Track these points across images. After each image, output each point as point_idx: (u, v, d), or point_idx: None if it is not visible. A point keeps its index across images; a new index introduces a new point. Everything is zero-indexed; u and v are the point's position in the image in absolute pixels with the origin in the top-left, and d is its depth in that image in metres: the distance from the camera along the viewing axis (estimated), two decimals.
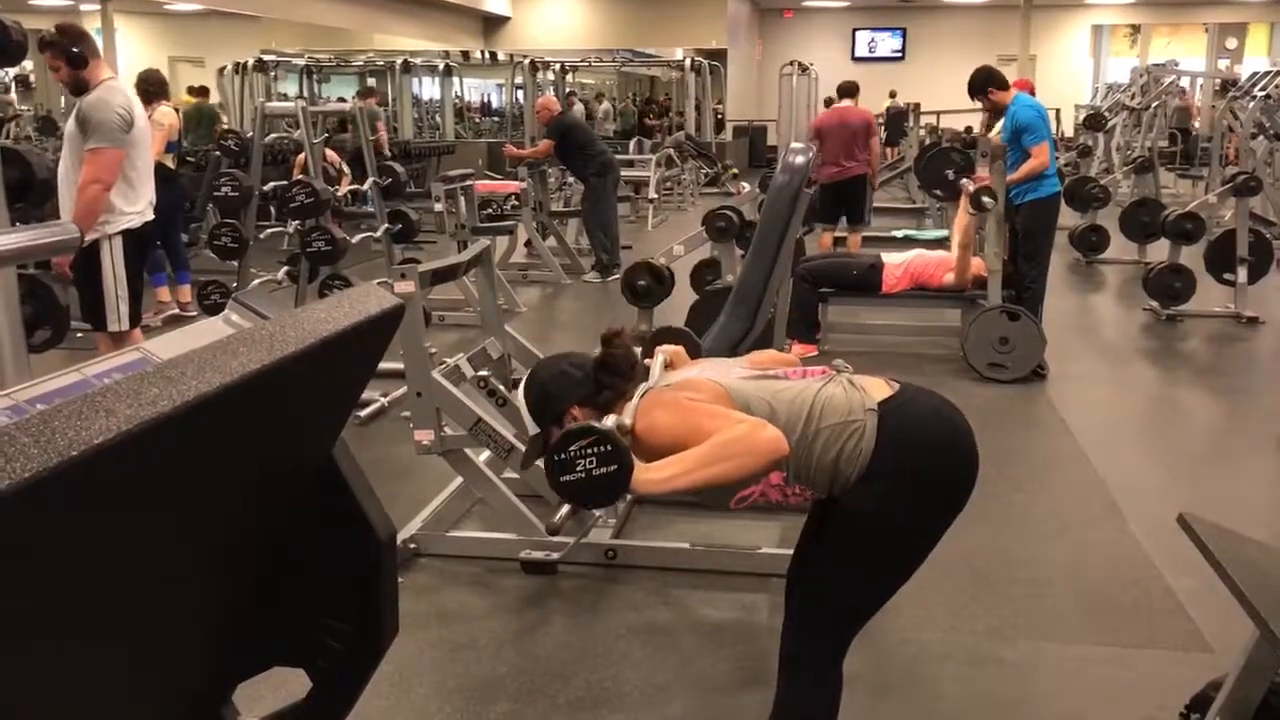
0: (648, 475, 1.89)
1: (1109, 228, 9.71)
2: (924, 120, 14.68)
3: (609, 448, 1.84)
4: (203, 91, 15.16)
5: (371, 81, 20.34)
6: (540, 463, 1.96)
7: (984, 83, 6.16)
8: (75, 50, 4.27)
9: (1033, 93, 7.41)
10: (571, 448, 1.83)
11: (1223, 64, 24.22)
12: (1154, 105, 12.84)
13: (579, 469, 1.83)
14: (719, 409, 1.98)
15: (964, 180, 6.15)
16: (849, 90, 8.70)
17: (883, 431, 1.96)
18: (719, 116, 19.56)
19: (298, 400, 1.19)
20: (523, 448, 3.63)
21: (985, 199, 5.63)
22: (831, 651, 2.13)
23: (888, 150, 18.16)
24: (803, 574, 2.19)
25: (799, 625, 2.14)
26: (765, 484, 2.05)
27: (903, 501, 1.99)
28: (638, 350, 2.29)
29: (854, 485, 1.99)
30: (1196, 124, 16.56)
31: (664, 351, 2.29)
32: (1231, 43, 25.06)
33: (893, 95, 19.98)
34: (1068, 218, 10.60)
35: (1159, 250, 8.39)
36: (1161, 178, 11.51)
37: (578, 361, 2.23)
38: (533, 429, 2.22)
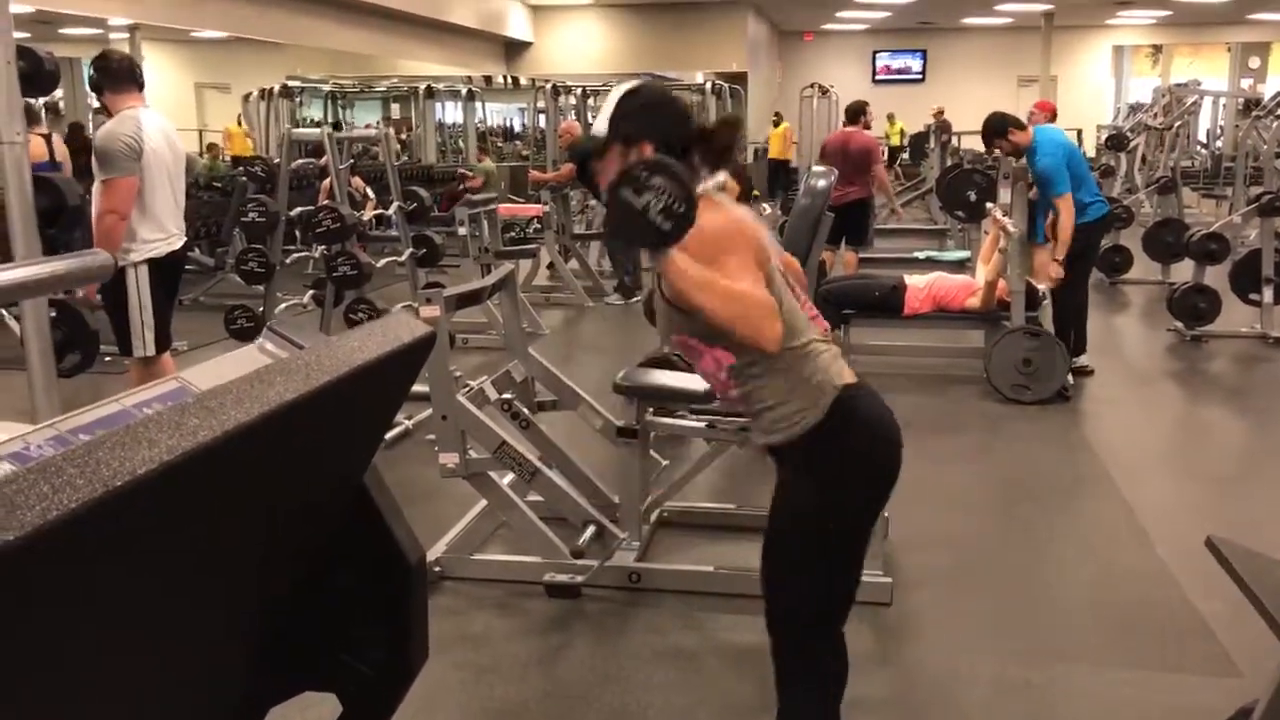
0: (678, 261, 1.81)
1: (1132, 248, 9.67)
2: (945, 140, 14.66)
3: (683, 208, 1.73)
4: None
5: (395, 106, 20.52)
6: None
7: (1000, 128, 5.92)
8: (93, 76, 4.36)
9: (1054, 115, 7.37)
10: (657, 178, 1.73)
11: (1246, 84, 24.12)
12: (1176, 125, 12.79)
13: (644, 199, 1.73)
14: (757, 270, 1.93)
15: (990, 205, 6.14)
16: (855, 113, 8.67)
17: (835, 413, 1.98)
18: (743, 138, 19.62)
19: (332, 427, 1.21)
20: (547, 470, 3.66)
21: (1011, 227, 5.65)
22: (807, 652, 2.13)
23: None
24: (763, 579, 2.17)
25: (773, 634, 2.14)
26: (711, 352, 2.02)
27: (839, 486, 2.02)
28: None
29: (793, 462, 2.03)
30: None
31: (727, 177, 2.13)
32: (1254, 62, 24.96)
33: (890, 119, 20.16)
34: None
35: (1183, 270, 8.35)
36: (1185, 198, 11.45)
37: (686, 114, 2.12)
38: (599, 127, 2.07)
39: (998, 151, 6.08)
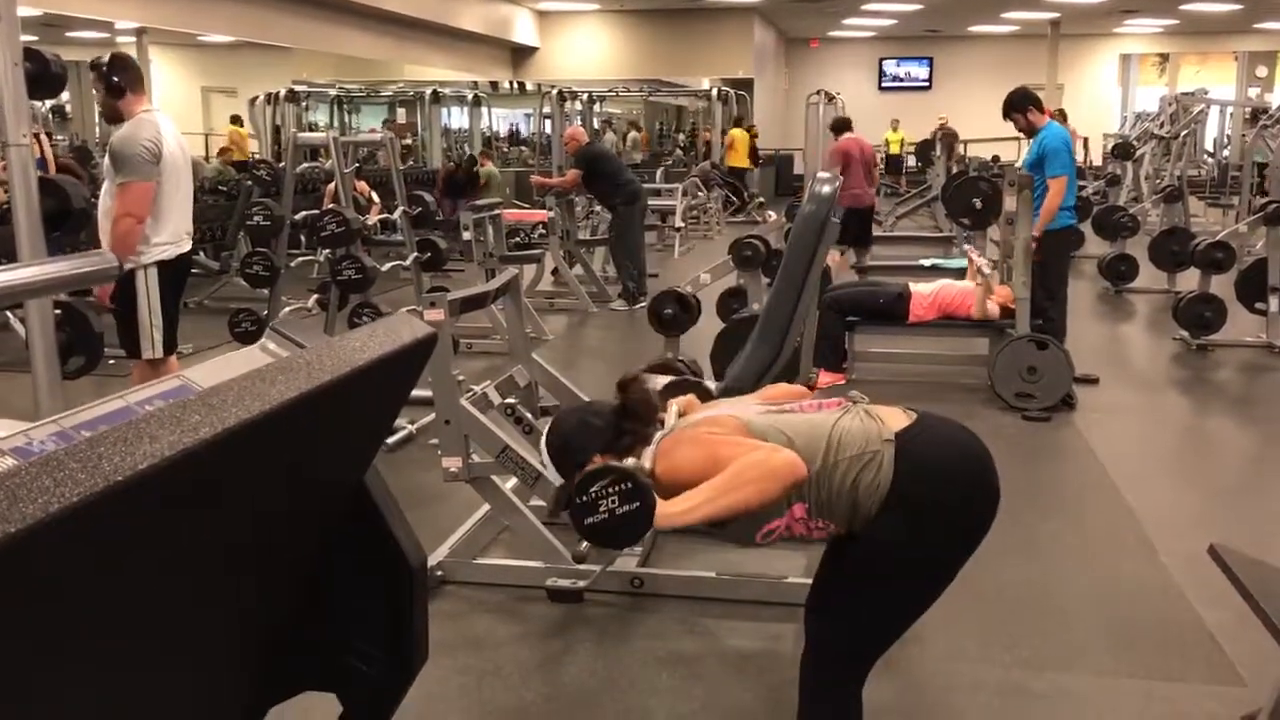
0: (668, 509, 1.91)
1: (1138, 257, 9.66)
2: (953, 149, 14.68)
3: (628, 485, 1.87)
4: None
5: (401, 111, 20.57)
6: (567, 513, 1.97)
7: (1024, 101, 6.28)
8: (115, 79, 4.33)
9: (1064, 123, 7.57)
10: (592, 489, 1.87)
11: (1253, 92, 24.12)
12: (1183, 134, 12.79)
13: (602, 509, 1.86)
14: (737, 438, 2.00)
15: (967, 248, 6.35)
16: (845, 124, 9.70)
17: (901, 462, 1.96)
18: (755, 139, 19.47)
19: (334, 426, 1.21)
20: (551, 474, 3.65)
21: (986, 268, 5.96)
22: (850, 681, 2.14)
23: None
24: (822, 604, 2.18)
25: (817, 655, 2.15)
26: (789, 517, 2.04)
27: (921, 533, 1.99)
28: (655, 389, 2.31)
29: (874, 517, 1.99)
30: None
31: (678, 402, 2.29)
32: (1261, 71, 24.98)
33: (895, 126, 20.15)
34: (1097, 246, 10.57)
35: (1189, 279, 8.34)
36: (1191, 206, 11.45)
37: (598, 410, 2.25)
38: (556, 480, 2.23)
39: (1012, 124, 6.44)
